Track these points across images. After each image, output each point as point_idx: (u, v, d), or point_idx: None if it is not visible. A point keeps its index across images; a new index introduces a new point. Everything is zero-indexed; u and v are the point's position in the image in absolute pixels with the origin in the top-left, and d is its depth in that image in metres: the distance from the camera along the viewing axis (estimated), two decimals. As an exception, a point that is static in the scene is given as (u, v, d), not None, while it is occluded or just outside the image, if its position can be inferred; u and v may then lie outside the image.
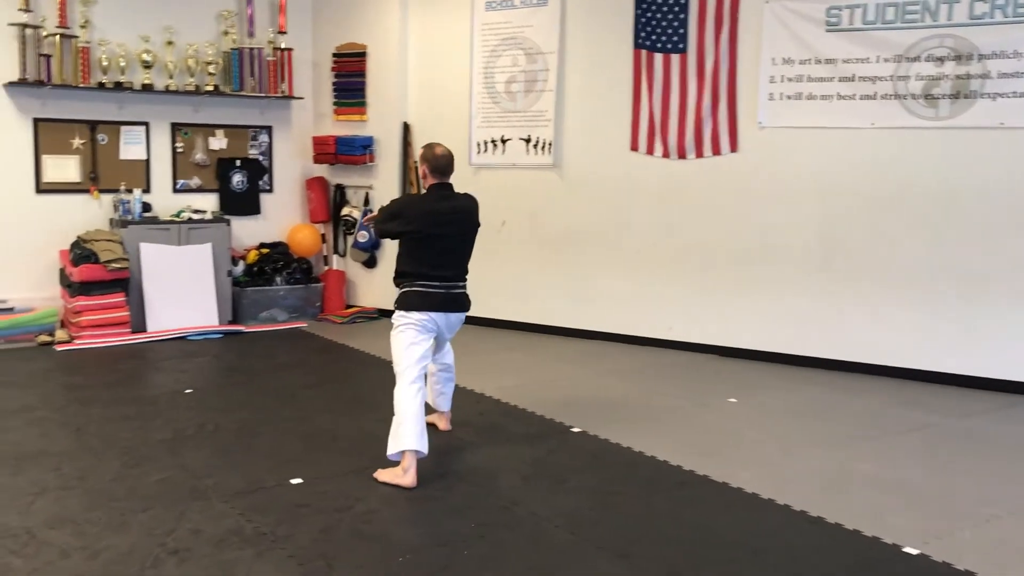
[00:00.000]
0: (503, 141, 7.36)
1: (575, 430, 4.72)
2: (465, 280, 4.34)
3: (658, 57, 6.60)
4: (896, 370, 5.90)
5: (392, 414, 3.99)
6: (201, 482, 3.92)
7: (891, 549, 3.33)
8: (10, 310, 6.85)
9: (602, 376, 5.98)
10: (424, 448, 3.95)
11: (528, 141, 7.23)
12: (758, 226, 6.35)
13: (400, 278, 4.26)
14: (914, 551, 3.30)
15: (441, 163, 4.27)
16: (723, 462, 4.25)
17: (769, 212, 6.30)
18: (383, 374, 4.02)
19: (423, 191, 4.39)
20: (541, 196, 7.25)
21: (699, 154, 6.53)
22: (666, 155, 6.65)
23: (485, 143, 7.43)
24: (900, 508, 3.74)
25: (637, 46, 6.67)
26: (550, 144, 7.13)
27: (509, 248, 7.40)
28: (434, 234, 4.18)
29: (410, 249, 4.25)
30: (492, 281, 7.45)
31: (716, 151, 6.46)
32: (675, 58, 6.54)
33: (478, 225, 4.40)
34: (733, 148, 6.40)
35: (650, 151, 6.71)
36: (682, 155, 6.59)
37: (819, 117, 6.08)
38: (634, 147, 6.78)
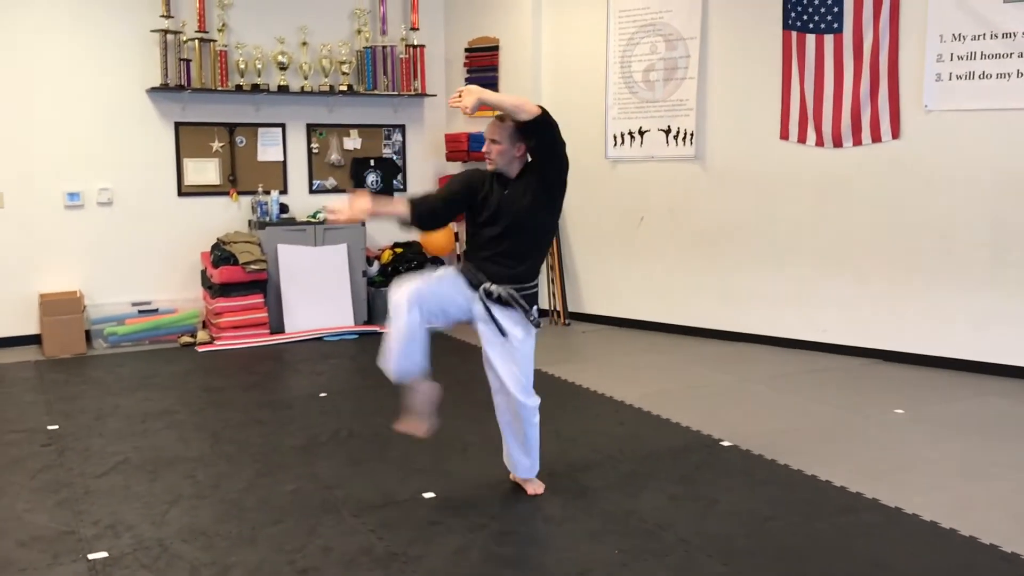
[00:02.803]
0: (641, 133, 7.01)
1: (725, 444, 4.36)
2: None
3: (810, 38, 6.12)
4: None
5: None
6: (332, 493, 3.80)
7: (1107, 597, 2.86)
8: (154, 311, 7.01)
9: (751, 382, 5.58)
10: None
11: (668, 132, 6.87)
12: (924, 219, 5.79)
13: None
14: None
15: None
16: (893, 484, 3.81)
17: (936, 204, 5.74)
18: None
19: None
20: (682, 190, 6.87)
21: (857, 141, 6.02)
22: (820, 143, 6.16)
23: (622, 135, 7.11)
24: (1112, 545, 3.24)
25: (787, 27, 6.21)
26: (692, 135, 6.74)
27: (648, 245, 7.06)
28: None
29: None
30: (630, 280, 7.15)
31: (876, 138, 5.93)
32: (829, 39, 6.05)
33: None
34: (895, 134, 5.87)
35: (802, 139, 6.24)
36: (838, 143, 6.09)
37: (995, 98, 5.47)
38: (784, 135, 6.32)
